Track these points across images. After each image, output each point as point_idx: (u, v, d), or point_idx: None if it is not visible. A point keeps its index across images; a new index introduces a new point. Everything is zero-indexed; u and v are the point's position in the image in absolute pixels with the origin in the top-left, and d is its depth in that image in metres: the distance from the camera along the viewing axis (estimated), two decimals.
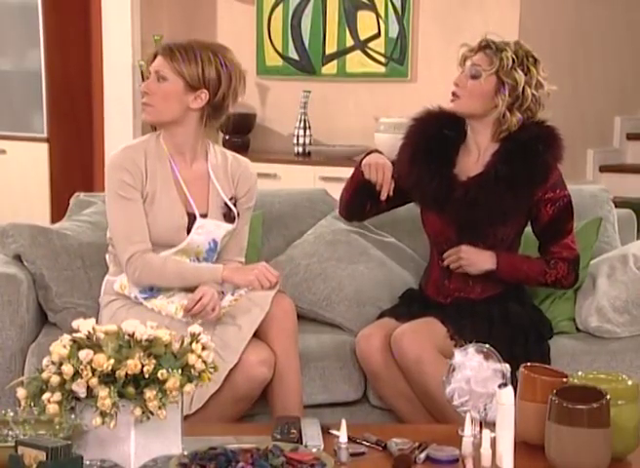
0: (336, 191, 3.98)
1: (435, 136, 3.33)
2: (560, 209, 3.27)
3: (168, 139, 3.18)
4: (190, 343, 2.48)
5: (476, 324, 3.17)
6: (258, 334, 3.04)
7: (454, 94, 3.27)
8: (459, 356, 2.66)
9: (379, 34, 5.72)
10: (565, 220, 3.29)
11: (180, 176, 3.16)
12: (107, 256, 3.25)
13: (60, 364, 2.39)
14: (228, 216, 3.21)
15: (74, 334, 2.46)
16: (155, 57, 3.13)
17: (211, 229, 3.18)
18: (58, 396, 2.37)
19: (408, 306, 3.37)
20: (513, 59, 3.21)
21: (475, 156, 3.32)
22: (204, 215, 3.17)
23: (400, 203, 3.48)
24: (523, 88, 3.22)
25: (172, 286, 3.12)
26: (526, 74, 3.23)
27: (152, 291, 3.13)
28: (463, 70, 3.28)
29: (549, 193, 3.25)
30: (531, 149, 3.24)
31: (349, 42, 5.80)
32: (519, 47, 3.26)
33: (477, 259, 3.26)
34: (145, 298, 3.13)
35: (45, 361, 2.44)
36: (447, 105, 3.31)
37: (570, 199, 3.29)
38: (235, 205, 3.23)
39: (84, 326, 2.47)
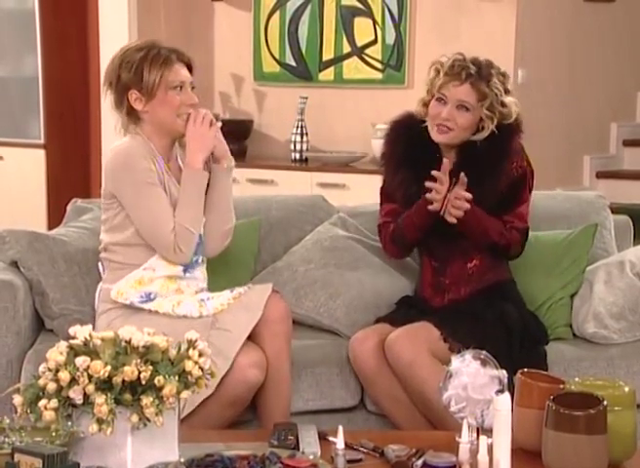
0: (333, 197, 3.98)
1: (418, 139, 3.33)
2: (515, 178, 3.28)
3: (164, 140, 3.16)
4: (187, 350, 2.48)
5: (470, 326, 3.17)
6: (251, 336, 3.04)
7: (444, 126, 3.26)
8: (456, 362, 2.66)
9: (375, 41, 5.73)
10: (519, 189, 3.30)
11: (171, 175, 3.17)
12: (100, 263, 3.25)
13: (57, 370, 2.39)
14: None
15: (71, 341, 2.46)
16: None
17: None
18: (54, 403, 2.36)
19: (404, 312, 3.37)
20: (501, 87, 3.25)
21: (445, 155, 3.32)
22: None
23: None
24: (514, 111, 3.28)
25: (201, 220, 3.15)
26: (510, 93, 3.29)
27: (149, 295, 3.13)
28: (445, 100, 3.26)
29: (509, 164, 3.27)
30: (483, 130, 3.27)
31: (346, 48, 5.81)
32: (493, 68, 3.28)
33: None
34: (143, 302, 3.12)
35: (41, 367, 2.44)
36: (434, 137, 3.29)
37: (527, 171, 3.30)
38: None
39: (81, 332, 2.47)
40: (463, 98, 3.25)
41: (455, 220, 3.20)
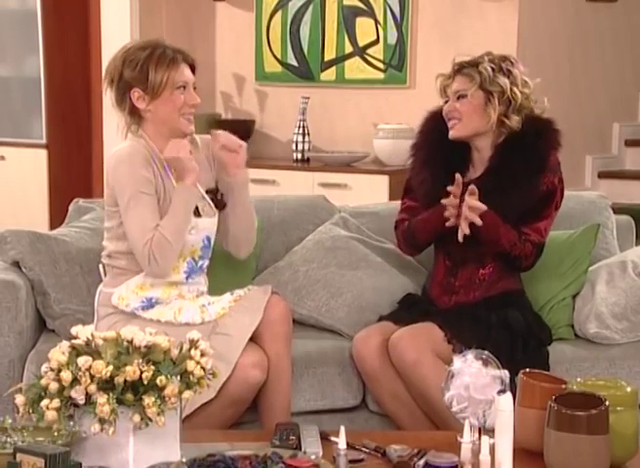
0: (334, 197, 3.98)
1: (446, 139, 3.34)
2: (542, 193, 3.27)
3: (167, 140, 3.14)
4: (189, 350, 2.48)
5: (474, 329, 3.17)
6: (252, 337, 3.04)
7: (452, 119, 3.29)
8: (458, 362, 2.66)
9: (377, 41, 5.73)
10: (545, 205, 3.29)
11: (171, 175, 3.15)
12: (101, 265, 3.24)
13: (59, 370, 2.39)
14: (218, 206, 3.22)
15: (73, 341, 2.46)
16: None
17: (204, 226, 3.18)
18: (56, 402, 2.36)
19: (406, 311, 3.37)
20: (492, 68, 3.26)
21: (476, 161, 3.34)
22: (197, 214, 3.16)
23: None
24: (511, 90, 3.26)
25: (183, 236, 3.10)
26: (508, 77, 3.27)
27: (151, 300, 3.13)
28: (447, 99, 3.32)
29: (542, 179, 3.27)
30: (522, 142, 3.27)
31: (348, 48, 5.80)
32: (492, 55, 3.31)
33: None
34: (143, 309, 3.12)
35: (44, 367, 2.44)
36: (450, 135, 3.31)
37: (557, 188, 3.29)
38: (217, 190, 3.23)
39: (83, 332, 2.47)
40: (458, 88, 3.29)
41: (462, 236, 3.20)
